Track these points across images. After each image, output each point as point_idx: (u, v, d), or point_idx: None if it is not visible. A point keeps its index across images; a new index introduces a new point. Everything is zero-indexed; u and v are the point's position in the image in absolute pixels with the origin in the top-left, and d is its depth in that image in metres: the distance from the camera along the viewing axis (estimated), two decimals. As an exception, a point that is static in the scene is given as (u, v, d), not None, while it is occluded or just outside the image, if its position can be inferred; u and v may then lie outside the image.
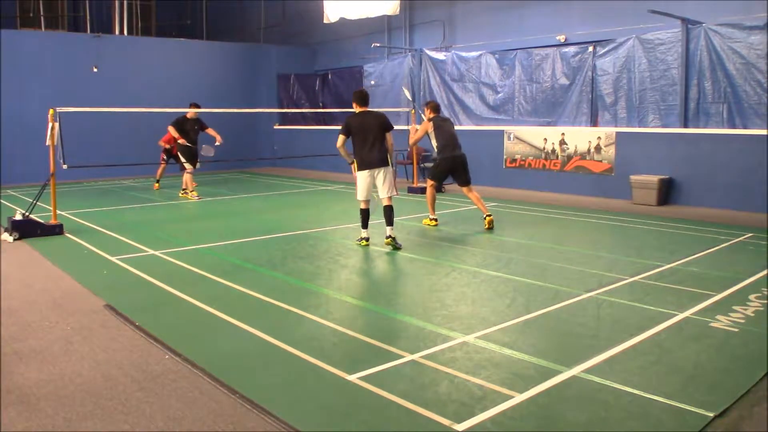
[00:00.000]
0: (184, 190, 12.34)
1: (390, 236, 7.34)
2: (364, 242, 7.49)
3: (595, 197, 11.86)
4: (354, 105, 7.54)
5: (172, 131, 12.10)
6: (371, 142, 7.33)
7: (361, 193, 7.42)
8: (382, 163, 7.41)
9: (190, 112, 12.26)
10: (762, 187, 9.81)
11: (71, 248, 7.54)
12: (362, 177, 7.39)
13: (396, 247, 7.30)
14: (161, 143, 13.47)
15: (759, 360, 3.97)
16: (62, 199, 10.64)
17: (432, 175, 9.03)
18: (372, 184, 7.41)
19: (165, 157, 13.65)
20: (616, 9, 12.40)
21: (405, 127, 14.92)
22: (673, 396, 3.43)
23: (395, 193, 7.53)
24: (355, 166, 7.43)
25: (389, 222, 7.41)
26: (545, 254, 7.07)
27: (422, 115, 9.08)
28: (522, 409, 3.30)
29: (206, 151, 12.53)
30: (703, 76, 10.80)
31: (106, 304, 5.20)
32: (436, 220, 9.00)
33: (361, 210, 7.49)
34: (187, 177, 12.24)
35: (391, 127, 7.49)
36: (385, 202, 7.48)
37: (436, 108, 9.02)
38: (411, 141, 9.72)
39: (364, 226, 7.51)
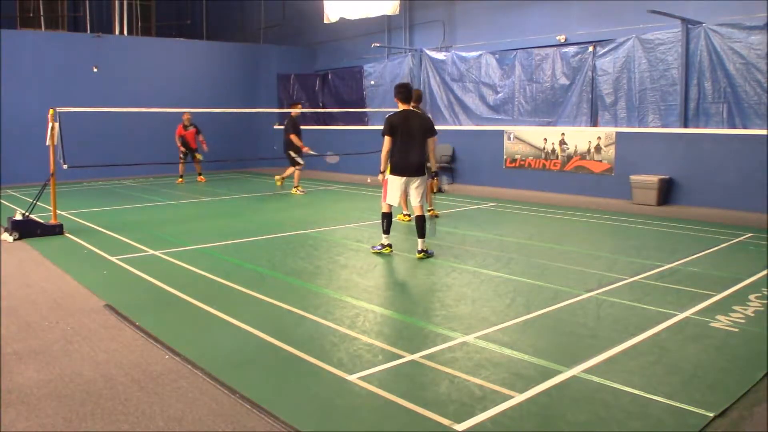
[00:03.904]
0: (296, 186, 13.00)
1: (422, 250, 6.79)
2: (387, 249, 6.97)
3: (595, 197, 11.86)
4: (398, 102, 6.80)
5: (295, 138, 12.74)
6: (412, 146, 6.68)
7: (392, 198, 6.84)
8: (420, 171, 6.78)
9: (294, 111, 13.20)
10: (762, 187, 9.81)
11: (71, 248, 7.54)
12: (395, 182, 6.79)
13: (428, 255, 6.82)
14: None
15: (759, 360, 3.97)
16: (62, 199, 10.63)
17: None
18: (403, 191, 6.87)
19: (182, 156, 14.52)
20: (616, 9, 12.40)
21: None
22: (673, 396, 3.43)
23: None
24: (387, 171, 6.82)
25: (421, 234, 6.80)
26: (545, 254, 7.07)
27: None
28: (522, 409, 3.30)
29: (331, 158, 12.83)
30: (703, 76, 10.80)
31: (106, 304, 5.20)
32: (408, 215, 8.97)
33: (384, 214, 6.95)
34: (299, 173, 12.99)
35: (435, 133, 6.84)
36: (417, 212, 6.89)
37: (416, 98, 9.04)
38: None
39: (387, 231, 6.96)
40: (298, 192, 12.78)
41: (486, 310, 5.03)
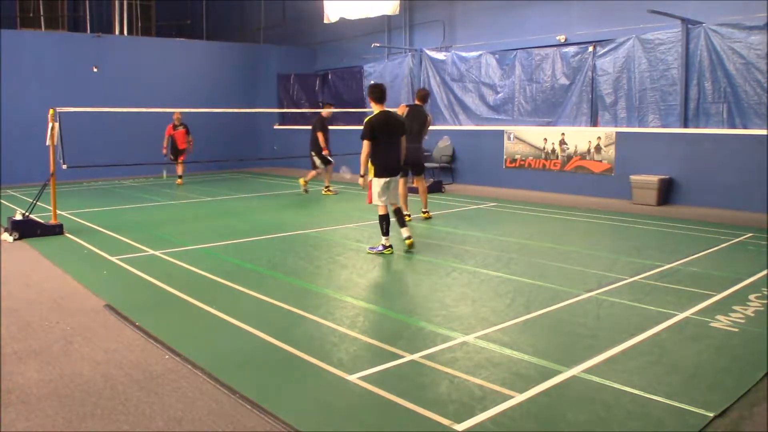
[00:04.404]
0: (306, 183, 12.87)
1: (410, 236, 7.07)
2: (389, 251, 6.97)
3: (595, 197, 11.86)
4: (372, 103, 6.88)
5: (320, 137, 12.50)
6: (393, 147, 6.87)
7: (380, 198, 6.93)
8: (399, 170, 7.09)
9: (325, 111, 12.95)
10: (762, 187, 9.81)
11: (71, 248, 7.54)
12: (380, 184, 6.90)
13: (412, 246, 7.09)
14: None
15: (759, 360, 3.97)
16: (62, 199, 10.64)
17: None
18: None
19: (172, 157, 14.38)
20: (616, 9, 12.40)
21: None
22: (673, 396, 3.43)
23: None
24: (370, 173, 6.85)
25: (404, 223, 7.12)
26: (545, 254, 7.07)
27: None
28: (522, 409, 3.30)
29: (344, 172, 12.85)
30: (703, 76, 10.80)
31: (106, 304, 5.20)
32: (408, 215, 9.09)
33: (382, 216, 6.97)
34: (314, 174, 12.87)
35: (406, 131, 7.07)
36: (394, 206, 7.14)
37: (421, 97, 9.42)
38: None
39: (386, 233, 6.97)
40: (303, 190, 12.72)
41: (486, 310, 5.03)
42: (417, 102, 9.32)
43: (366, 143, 6.75)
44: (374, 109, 6.92)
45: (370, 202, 7.07)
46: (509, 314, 4.90)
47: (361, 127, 6.84)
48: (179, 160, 14.48)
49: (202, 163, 16.51)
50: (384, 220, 6.99)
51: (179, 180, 14.85)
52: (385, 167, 6.87)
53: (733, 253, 7.15)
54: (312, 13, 18.39)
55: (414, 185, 9.82)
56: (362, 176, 6.93)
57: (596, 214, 10.00)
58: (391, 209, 7.14)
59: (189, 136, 14.44)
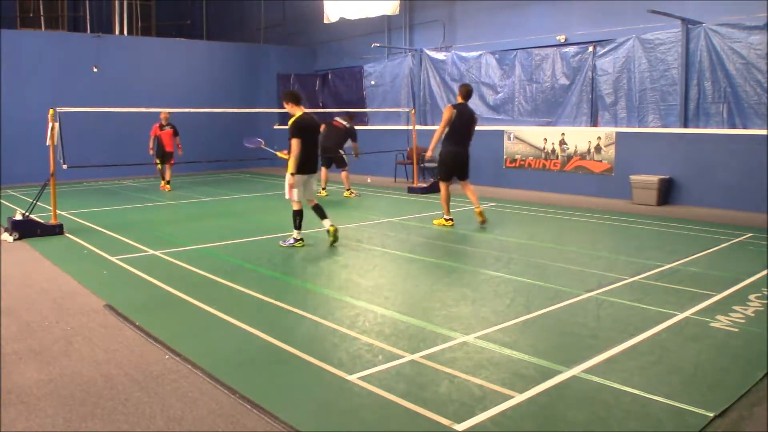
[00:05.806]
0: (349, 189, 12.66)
1: (332, 224, 7.45)
2: (299, 243, 7.41)
3: (595, 197, 11.86)
4: (293, 106, 7.26)
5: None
6: (313, 146, 7.41)
7: (299, 195, 7.31)
8: (316, 169, 7.56)
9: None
10: (762, 187, 9.81)
11: (71, 248, 7.54)
12: (301, 180, 7.30)
13: (336, 237, 7.45)
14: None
15: (759, 360, 3.97)
16: (62, 199, 10.64)
17: (439, 173, 9.00)
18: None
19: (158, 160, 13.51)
20: (616, 9, 12.40)
21: (406, 127, 14.94)
22: (673, 396, 3.43)
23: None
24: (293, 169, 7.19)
25: (325, 215, 7.49)
26: (545, 254, 7.07)
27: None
28: (522, 409, 3.30)
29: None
30: (703, 76, 10.80)
31: (106, 304, 5.20)
32: (451, 220, 8.86)
33: (296, 212, 7.39)
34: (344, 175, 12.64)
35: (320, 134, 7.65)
36: (311, 203, 7.55)
37: (465, 94, 8.62)
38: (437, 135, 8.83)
39: (299, 227, 7.42)
40: (353, 195, 12.45)
41: (486, 310, 5.03)
42: (460, 100, 8.59)
43: (297, 141, 7.11)
44: (294, 111, 7.27)
45: (291, 197, 7.30)
46: (509, 314, 4.90)
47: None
48: (168, 164, 13.53)
49: (202, 163, 16.51)
50: (298, 215, 7.39)
51: (168, 185, 13.69)
52: (308, 164, 7.30)
53: (733, 253, 7.15)
54: (312, 13, 18.39)
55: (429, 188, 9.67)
56: (293, 174, 7.16)
57: (596, 214, 10.00)
58: (308, 205, 7.53)
59: (176, 138, 13.47)
